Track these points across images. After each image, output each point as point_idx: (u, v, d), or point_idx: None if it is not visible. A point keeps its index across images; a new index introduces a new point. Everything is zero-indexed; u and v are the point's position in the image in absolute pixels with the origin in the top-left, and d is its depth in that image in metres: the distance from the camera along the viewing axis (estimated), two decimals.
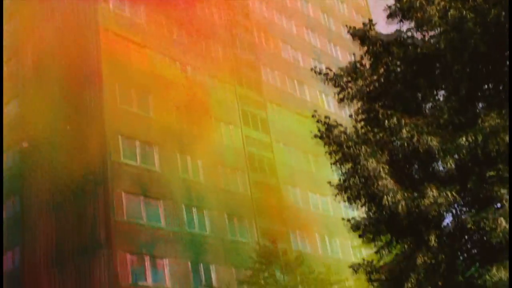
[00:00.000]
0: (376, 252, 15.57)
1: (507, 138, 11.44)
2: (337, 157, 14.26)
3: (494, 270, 11.33)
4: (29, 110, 37.46)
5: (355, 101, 15.06)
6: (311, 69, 16.46)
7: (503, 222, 11.28)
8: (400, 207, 12.25)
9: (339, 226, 33.83)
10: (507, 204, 11.41)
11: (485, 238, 12.76)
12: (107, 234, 30.12)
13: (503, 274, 11.25)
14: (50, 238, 33.45)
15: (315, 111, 14.92)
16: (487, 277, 11.46)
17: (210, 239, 34.74)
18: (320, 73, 15.67)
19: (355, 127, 14.62)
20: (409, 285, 13.40)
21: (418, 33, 14.20)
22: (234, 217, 37.12)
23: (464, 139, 12.04)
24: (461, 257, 13.82)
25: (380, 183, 12.47)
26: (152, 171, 33.54)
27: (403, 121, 12.83)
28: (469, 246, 13.72)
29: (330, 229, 42.96)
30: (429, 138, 12.38)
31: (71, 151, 33.67)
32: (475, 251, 13.68)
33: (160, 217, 32.71)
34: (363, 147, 13.04)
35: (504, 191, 11.40)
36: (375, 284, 15.59)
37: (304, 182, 44.05)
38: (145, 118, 34.76)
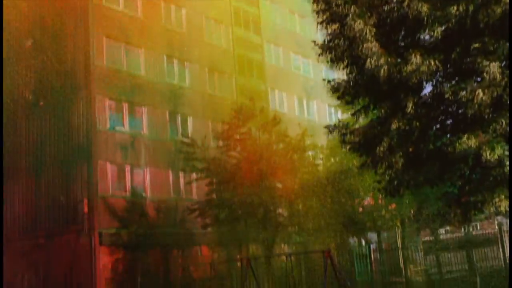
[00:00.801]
0: (353, 115, 15.74)
1: (498, 10, 11.28)
2: (324, 16, 14.01)
3: (464, 138, 11.59)
4: None
5: None
6: None
7: (480, 94, 11.40)
8: (382, 71, 12.26)
9: (318, 89, 34.03)
10: (487, 77, 11.47)
11: (460, 110, 12.96)
12: (86, 77, 29.90)
13: (473, 143, 11.54)
14: (29, 77, 33.25)
15: None
16: (457, 144, 11.74)
17: (189, 91, 34.78)
18: None
19: None
20: (381, 149, 13.72)
21: None
22: (214, 72, 36.97)
23: (455, 8, 11.85)
24: (435, 127, 14.10)
25: (365, 45, 12.37)
26: (134, 17, 32.76)
27: None
28: (444, 117, 13.96)
29: (308, 92, 43.23)
30: (419, 4, 12.16)
31: None
32: (450, 121, 13.94)
33: (141, 65, 32.43)
34: (352, 7, 12.78)
35: (486, 63, 11.41)
36: (348, 146, 15.89)
37: (288, 42, 43.58)
38: None
